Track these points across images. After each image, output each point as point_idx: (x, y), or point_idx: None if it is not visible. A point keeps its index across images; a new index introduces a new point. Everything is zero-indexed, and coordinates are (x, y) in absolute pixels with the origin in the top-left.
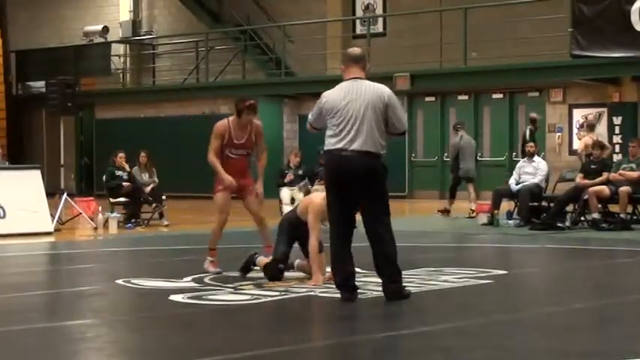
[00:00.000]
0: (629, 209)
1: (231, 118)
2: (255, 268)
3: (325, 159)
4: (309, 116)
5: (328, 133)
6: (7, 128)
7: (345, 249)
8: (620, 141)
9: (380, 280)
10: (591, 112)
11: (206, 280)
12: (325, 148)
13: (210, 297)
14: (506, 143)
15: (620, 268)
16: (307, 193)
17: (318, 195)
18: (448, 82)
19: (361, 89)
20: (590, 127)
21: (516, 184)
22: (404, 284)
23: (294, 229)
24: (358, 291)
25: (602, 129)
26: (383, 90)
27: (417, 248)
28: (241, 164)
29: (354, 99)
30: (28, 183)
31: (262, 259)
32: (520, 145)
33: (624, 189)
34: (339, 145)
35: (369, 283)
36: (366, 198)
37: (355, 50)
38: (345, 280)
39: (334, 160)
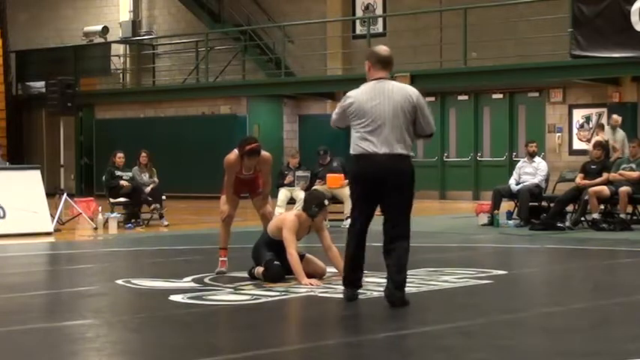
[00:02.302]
0: (629, 209)
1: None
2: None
3: (355, 164)
4: (333, 115)
5: (356, 135)
6: (7, 128)
7: (360, 250)
8: None
9: (380, 281)
10: (591, 113)
11: (206, 280)
12: (354, 152)
13: (210, 297)
14: (506, 143)
15: (620, 268)
16: (307, 189)
17: (290, 213)
18: (448, 82)
19: (389, 90)
20: (601, 126)
21: (516, 185)
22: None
23: (271, 248)
24: (358, 291)
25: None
26: (411, 91)
27: (416, 248)
28: (250, 179)
29: (382, 101)
30: (28, 183)
31: (259, 269)
32: None
33: (624, 189)
34: (371, 149)
35: (369, 284)
36: (395, 201)
37: (384, 51)
38: (352, 280)
39: (366, 164)
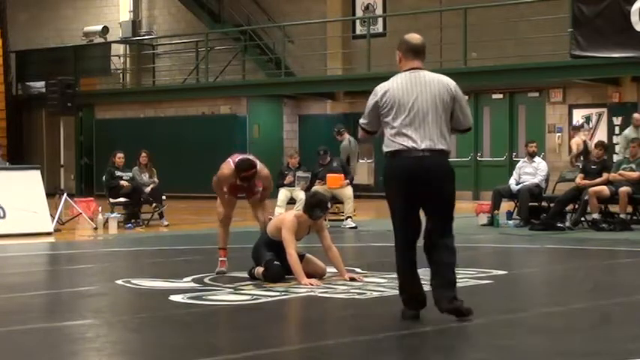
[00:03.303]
0: (629, 209)
1: None
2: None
3: (391, 161)
4: (361, 120)
5: (391, 131)
6: (7, 128)
7: (411, 263)
8: (619, 141)
9: (380, 281)
10: (591, 113)
11: (206, 280)
12: (389, 149)
13: (210, 297)
14: (506, 143)
15: (620, 268)
16: (307, 189)
17: (290, 213)
18: None
19: (426, 81)
20: (577, 128)
21: (516, 185)
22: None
23: (271, 248)
24: (359, 291)
25: (602, 129)
26: (448, 81)
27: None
28: (247, 185)
29: (420, 92)
30: (28, 183)
31: (259, 269)
32: None
33: (624, 189)
34: (410, 144)
35: (369, 284)
36: (437, 203)
37: (415, 39)
38: (409, 299)
39: (405, 162)
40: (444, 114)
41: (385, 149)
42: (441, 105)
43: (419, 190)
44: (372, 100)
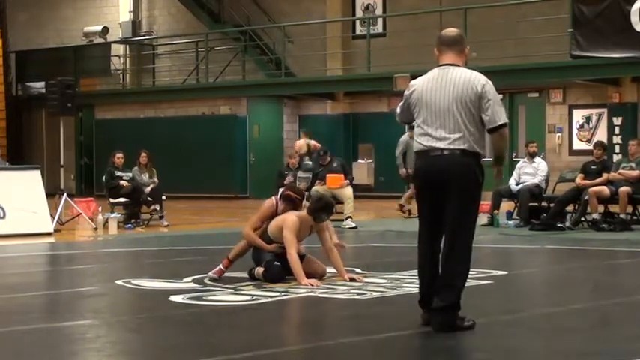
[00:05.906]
0: (629, 210)
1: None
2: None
3: (415, 162)
4: (397, 108)
5: (416, 131)
6: (7, 128)
7: (428, 257)
8: (619, 141)
9: (379, 281)
10: (591, 113)
11: (206, 280)
12: (414, 150)
13: (210, 297)
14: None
15: (620, 268)
16: (307, 189)
17: (291, 214)
18: None
19: (452, 78)
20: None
21: (516, 185)
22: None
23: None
24: (359, 292)
25: (602, 130)
26: (477, 80)
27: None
28: None
29: (443, 89)
30: (28, 183)
31: (259, 269)
32: None
33: (624, 189)
34: (428, 144)
35: (369, 284)
36: (451, 207)
37: (449, 32)
38: (421, 300)
39: (423, 162)
40: (465, 113)
41: (414, 150)
42: (461, 104)
43: (436, 193)
44: (406, 92)
